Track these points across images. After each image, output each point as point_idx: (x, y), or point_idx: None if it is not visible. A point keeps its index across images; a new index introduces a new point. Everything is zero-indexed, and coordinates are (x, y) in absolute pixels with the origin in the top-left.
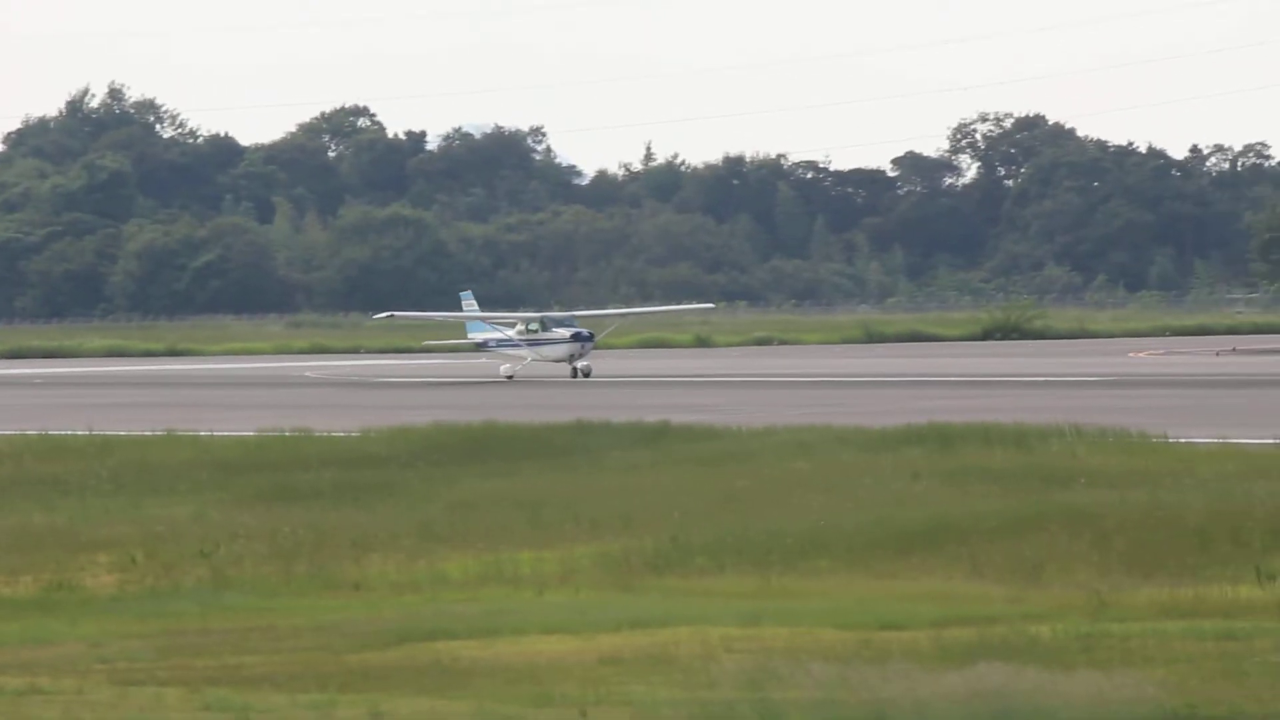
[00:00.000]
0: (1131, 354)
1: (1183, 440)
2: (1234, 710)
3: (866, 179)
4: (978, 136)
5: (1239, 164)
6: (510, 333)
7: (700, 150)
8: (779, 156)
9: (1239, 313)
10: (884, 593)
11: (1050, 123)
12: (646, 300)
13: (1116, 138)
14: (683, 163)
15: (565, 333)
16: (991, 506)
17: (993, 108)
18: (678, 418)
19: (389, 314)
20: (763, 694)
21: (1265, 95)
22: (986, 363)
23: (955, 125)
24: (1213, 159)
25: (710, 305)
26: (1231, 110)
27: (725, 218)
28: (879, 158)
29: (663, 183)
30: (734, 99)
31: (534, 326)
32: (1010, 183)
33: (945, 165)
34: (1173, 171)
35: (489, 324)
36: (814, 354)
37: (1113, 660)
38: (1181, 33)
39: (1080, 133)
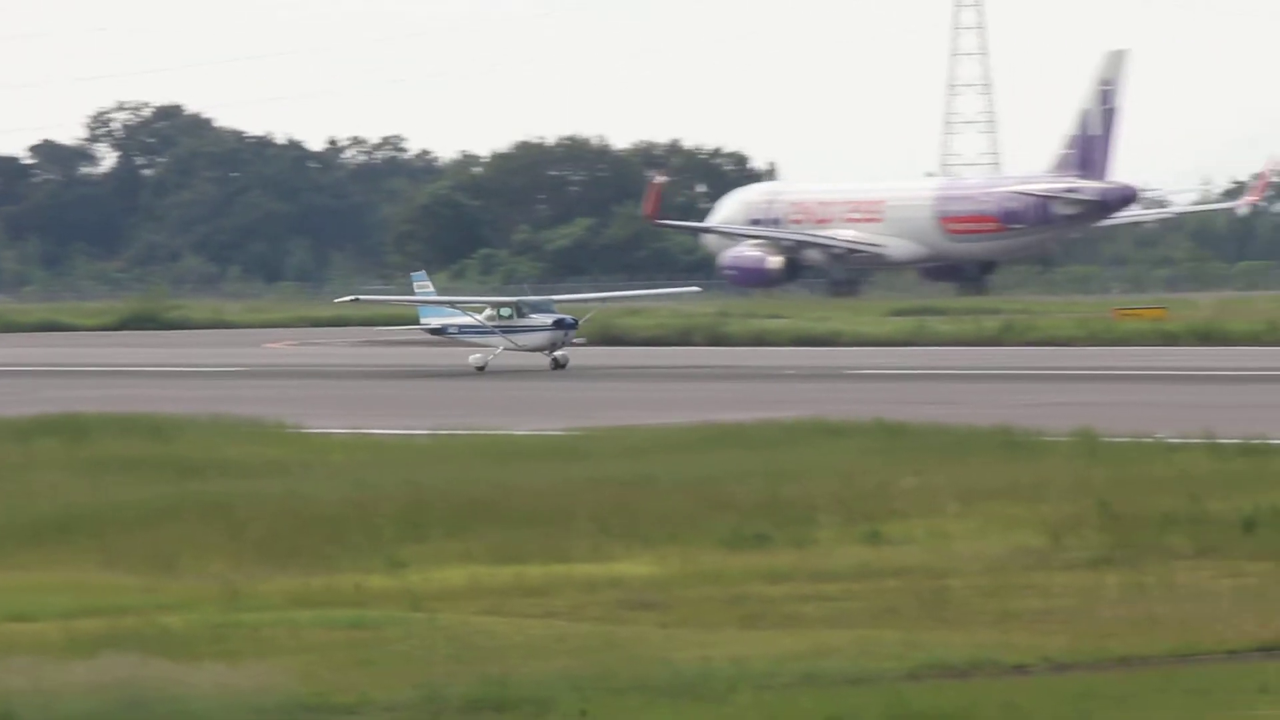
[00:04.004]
0: (267, 345)
1: (317, 430)
2: (363, 698)
3: (1, 167)
4: (116, 126)
5: (376, 157)
6: (479, 318)
7: None
8: None
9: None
10: (12, 584)
11: (189, 112)
12: None
13: (255, 129)
14: None
15: (546, 319)
16: (127, 497)
17: (131, 97)
18: None
19: (353, 298)
20: None
21: (402, 90)
22: (126, 353)
23: (93, 114)
24: (350, 151)
25: (697, 288)
26: (369, 104)
27: None
28: (14, 146)
29: None
30: None
31: (506, 312)
32: (149, 172)
33: (83, 154)
34: (310, 163)
35: (453, 309)
36: None
37: (244, 650)
38: (320, 25)
39: (219, 123)
